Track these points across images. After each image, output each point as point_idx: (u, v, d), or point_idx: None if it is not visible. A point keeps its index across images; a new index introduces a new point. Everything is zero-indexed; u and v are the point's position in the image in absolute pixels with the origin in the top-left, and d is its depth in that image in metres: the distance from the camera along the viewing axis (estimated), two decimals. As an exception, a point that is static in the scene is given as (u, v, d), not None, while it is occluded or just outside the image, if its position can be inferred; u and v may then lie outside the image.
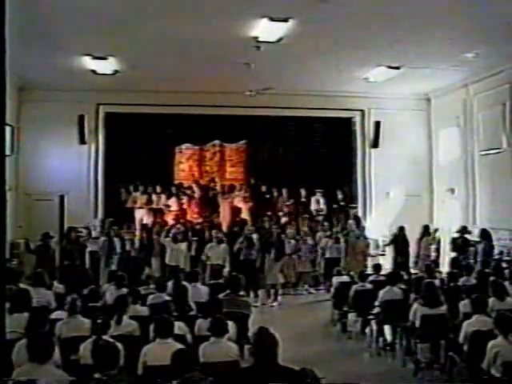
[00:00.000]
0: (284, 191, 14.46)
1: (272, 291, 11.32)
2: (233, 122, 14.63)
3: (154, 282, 7.95)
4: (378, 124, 14.94)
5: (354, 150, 15.46)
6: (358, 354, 7.77)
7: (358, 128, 15.40)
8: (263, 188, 14.56)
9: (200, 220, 13.59)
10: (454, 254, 11.45)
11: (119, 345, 4.27)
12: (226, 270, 10.89)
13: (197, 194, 14.30)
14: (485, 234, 11.10)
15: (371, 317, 8.07)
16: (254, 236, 11.89)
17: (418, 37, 9.75)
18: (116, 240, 11.70)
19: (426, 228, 12.41)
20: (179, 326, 5.46)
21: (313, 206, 14.41)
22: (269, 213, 13.71)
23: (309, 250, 12.28)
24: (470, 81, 13.06)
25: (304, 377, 3.70)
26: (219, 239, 11.66)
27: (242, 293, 7.42)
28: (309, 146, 15.57)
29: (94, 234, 12.61)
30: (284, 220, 13.91)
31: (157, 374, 4.45)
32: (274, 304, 11.10)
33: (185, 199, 14.13)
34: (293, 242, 12.12)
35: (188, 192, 14.38)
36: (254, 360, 3.58)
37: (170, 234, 11.89)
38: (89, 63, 11.30)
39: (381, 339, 7.78)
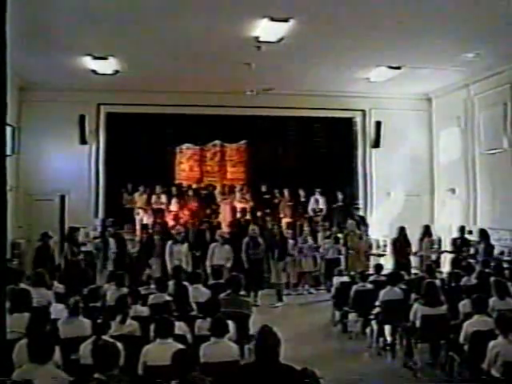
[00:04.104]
0: (286, 192, 14.44)
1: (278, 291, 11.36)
2: (233, 121, 14.62)
3: (154, 281, 7.96)
4: (378, 124, 14.94)
5: (354, 150, 15.44)
6: (359, 354, 7.77)
7: (358, 128, 15.39)
8: (263, 188, 14.54)
9: (193, 220, 13.57)
10: (451, 255, 11.51)
11: (119, 345, 4.28)
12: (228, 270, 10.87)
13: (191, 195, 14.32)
14: (484, 234, 11.10)
15: (372, 317, 8.07)
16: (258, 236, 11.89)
17: (419, 37, 9.75)
18: (111, 240, 11.68)
19: (426, 228, 12.40)
20: (180, 326, 5.47)
21: (311, 206, 14.41)
22: (270, 213, 13.73)
23: (310, 250, 12.29)
24: (471, 81, 13.05)
25: (305, 376, 3.70)
26: (224, 239, 11.66)
27: (242, 292, 7.42)
28: (309, 146, 15.56)
29: (94, 234, 12.62)
30: (287, 220, 13.92)
31: (157, 374, 4.45)
32: (278, 304, 11.11)
33: (183, 200, 14.13)
34: (292, 241, 12.11)
35: (187, 193, 14.38)
36: (256, 358, 3.59)
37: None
38: (89, 63, 11.30)
39: (381, 339, 7.79)
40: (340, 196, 14.54)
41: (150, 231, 12.62)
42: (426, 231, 12.28)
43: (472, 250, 11.20)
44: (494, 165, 12.53)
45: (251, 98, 13.32)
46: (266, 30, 9.30)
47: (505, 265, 9.82)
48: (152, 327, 5.24)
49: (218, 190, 14.76)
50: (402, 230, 12.27)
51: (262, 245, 11.47)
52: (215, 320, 5.22)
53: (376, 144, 15.05)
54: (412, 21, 8.97)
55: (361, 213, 14.58)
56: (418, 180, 15.02)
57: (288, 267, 11.90)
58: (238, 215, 13.96)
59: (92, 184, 14.01)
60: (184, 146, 15.41)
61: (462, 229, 11.93)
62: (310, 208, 14.35)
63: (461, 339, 5.82)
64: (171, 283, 7.80)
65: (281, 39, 9.75)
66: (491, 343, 5.01)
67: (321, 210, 14.28)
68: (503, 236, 11.71)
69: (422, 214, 14.52)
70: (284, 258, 11.70)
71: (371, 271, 10.22)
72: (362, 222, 13.55)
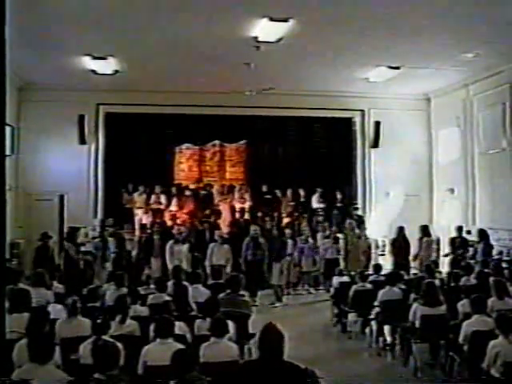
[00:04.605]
0: (289, 192, 14.45)
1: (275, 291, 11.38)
2: (233, 121, 14.64)
3: (153, 282, 7.96)
4: (378, 124, 14.94)
5: (354, 150, 15.46)
6: (358, 354, 7.76)
7: (358, 128, 15.40)
8: (264, 188, 14.55)
9: (191, 220, 13.56)
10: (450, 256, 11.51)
11: (119, 345, 4.28)
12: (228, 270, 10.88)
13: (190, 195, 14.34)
14: (483, 234, 11.10)
15: (371, 317, 8.07)
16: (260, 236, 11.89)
17: (418, 37, 9.75)
18: (110, 240, 11.67)
19: (424, 228, 12.38)
20: (180, 326, 5.47)
21: (314, 205, 14.44)
22: (270, 213, 13.73)
23: (310, 250, 12.29)
24: (470, 81, 13.05)
25: (306, 376, 3.71)
26: (223, 239, 11.66)
27: (242, 292, 7.41)
28: (309, 146, 15.57)
29: (93, 234, 12.62)
30: (286, 220, 13.93)
31: (157, 373, 4.45)
32: (278, 304, 11.12)
33: (183, 200, 14.14)
34: (292, 241, 12.11)
35: (187, 193, 14.38)
36: (260, 355, 3.60)
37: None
38: (89, 63, 11.30)
39: (381, 339, 7.79)
40: (339, 196, 14.57)
41: (149, 231, 12.62)
42: (425, 231, 12.27)
43: (471, 250, 11.20)
44: (494, 165, 12.54)
45: (251, 98, 13.32)
46: (266, 29, 9.30)
47: (504, 265, 9.83)
48: (152, 327, 5.25)
49: (216, 190, 14.75)
50: (400, 230, 12.27)
51: (262, 245, 11.46)
52: (215, 320, 5.23)
53: (375, 144, 15.06)
54: (412, 21, 8.98)
55: (359, 212, 14.60)
56: (417, 180, 15.04)
57: (287, 267, 11.89)
58: (238, 215, 13.96)
59: (91, 184, 14.02)
60: (183, 146, 15.41)
61: (459, 229, 11.93)
62: (313, 207, 14.37)
63: (460, 339, 5.82)
64: (170, 283, 7.81)
65: (280, 39, 9.75)
66: (491, 343, 5.01)
67: (322, 209, 14.29)
68: (502, 236, 11.72)
69: (421, 214, 14.52)
70: (283, 258, 11.71)
71: (371, 271, 10.21)
72: (360, 222, 13.55)
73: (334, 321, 9.28)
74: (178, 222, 13.46)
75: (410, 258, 12.04)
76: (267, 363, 3.53)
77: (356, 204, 14.91)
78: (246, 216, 13.84)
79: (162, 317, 5.20)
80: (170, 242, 11.56)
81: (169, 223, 13.44)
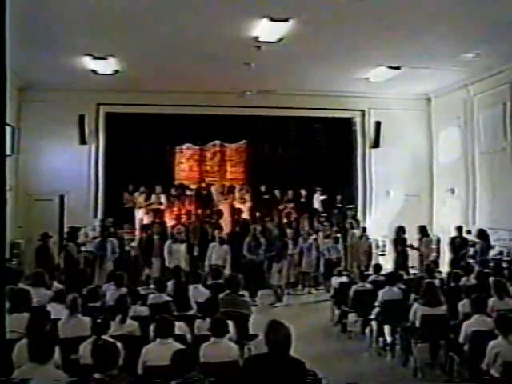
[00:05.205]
0: (289, 192, 14.44)
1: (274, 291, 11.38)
2: (233, 121, 14.64)
3: (153, 281, 7.96)
4: (378, 124, 14.94)
5: (354, 150, 15.46)
6: (358, 354, 7.77)
7: (358, 128, 15.40)
8: (263, 188, 14.54)
9: (190, 220, 13.57)
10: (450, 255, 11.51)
11: (119, 345, 4.28)
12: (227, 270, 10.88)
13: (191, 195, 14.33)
14: (482, 234, 11.10)
15: (371, 317, 8.07)
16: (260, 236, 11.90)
17: (419, 37, 9.75)
18: (111, 240, 11.68)
19: (422, 228, 12.39)
20: (180, 326, 5.47)
21: (315, 205, 14.44)
22: (270, 213, 13.73)
23: (310, 250, 12.29)
24: (470, 81, 13.05)
25: (308, 374, 3.76)
26: (222, 240, 11.67)
27: (241, 292, 7.41)
28: (309, 146, 15.58)
29: (93, 234, 12.62)
30: (286, 220, 13.95)
31: (157, 373, 4.45)
32: (278, 304, 11.12)
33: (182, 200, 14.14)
34: (292, 242, 12.11)
35: (188, 193, 14.38)
36: (268, 350, 3.66)
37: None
38: (89, 63, 11.31)
39: (381, 339, 7.79)
40: (339, 197, 14.56)
41: (149, 231, 12.61)
42: (423, 231, 12.27)
43: (471, 250, 11.20)
44: (494, 165, 12.53)
45: (251, 98, 13.33)
46: (266, 29, 9.31)
47: (504, 265, 9.82)
48: (152, 327, 5.25)
49: (216, 190, 14.74)
50: (399, 229, 12.28)
51: (263, 244, 11.47)
52: (215, 320, 5.22)
53: (376, 144, 15.06)
54: (412, 21, 8.98)
55: (357, 214, 14.59)
56: (417, 180, 15.03)
57: (288, 267, 11.89)
58: (238, 215, 13.95)
59: (91, 184, 14.02)
60: (184, 146, 15.41)
61: (459, 229, 11.93)
62: (313, 207, 14.37)
63: (460, 339, 5.83)
64: (171, 283, 7.81)
65: (280, 39, 9.76)
66: (491, 343, 5.01)
67: (322, 209, 14.29)
68: (502, 236, 11.71)
69: (421, 213, 14.51)
70: (284, 258, 11.72)
71: (370, 271, 10.22)
72: (356, 223, 13.57)
73: (334, 321, 9.28)
74: (179, 221, 13.45)
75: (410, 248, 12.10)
76: (275, 358, 3.57)
77: (352, 205, 14.86)
78: (247, 216, 13.83)
79: (162, 317, 5.20)
80: (168, 241, 11.57)
81: (169, 223, 13.44)
